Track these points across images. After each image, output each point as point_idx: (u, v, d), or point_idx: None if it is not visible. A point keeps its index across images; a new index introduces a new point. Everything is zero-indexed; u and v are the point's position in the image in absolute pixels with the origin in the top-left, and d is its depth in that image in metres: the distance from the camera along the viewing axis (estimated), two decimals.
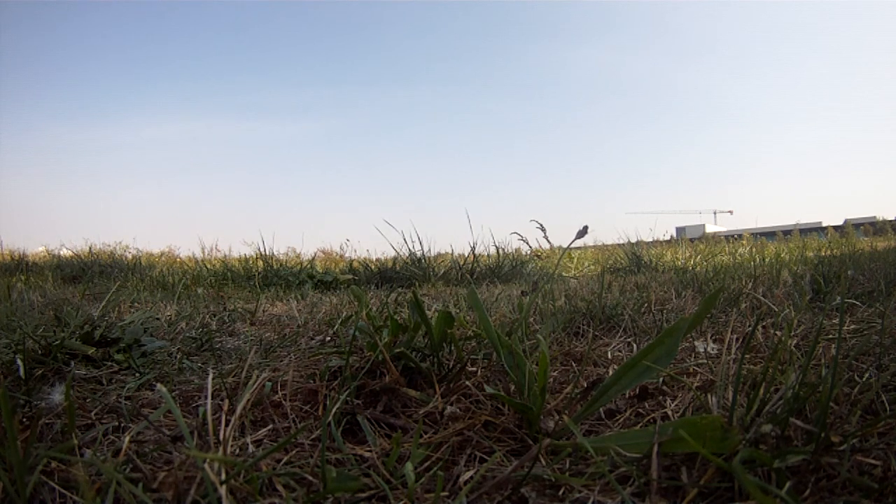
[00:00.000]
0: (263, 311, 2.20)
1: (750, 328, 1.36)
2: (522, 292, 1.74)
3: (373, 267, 4.50)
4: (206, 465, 0.52)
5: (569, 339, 1.41)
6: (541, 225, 1.05)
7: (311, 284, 3.83)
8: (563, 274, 4.45)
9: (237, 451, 0.70)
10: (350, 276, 4.08)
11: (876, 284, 1.84)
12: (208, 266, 4.86)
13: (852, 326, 1.30)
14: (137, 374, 1.11)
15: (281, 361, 1.18)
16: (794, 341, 1.15)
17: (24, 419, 0.75)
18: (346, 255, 6.81)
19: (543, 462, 0.65)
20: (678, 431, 0.57)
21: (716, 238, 10.15)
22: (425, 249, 4.59)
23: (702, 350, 1.08)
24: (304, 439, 0.74)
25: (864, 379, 0.85)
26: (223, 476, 0.52)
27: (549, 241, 1.08)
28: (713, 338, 1.29)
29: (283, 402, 0.86)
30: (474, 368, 1.00)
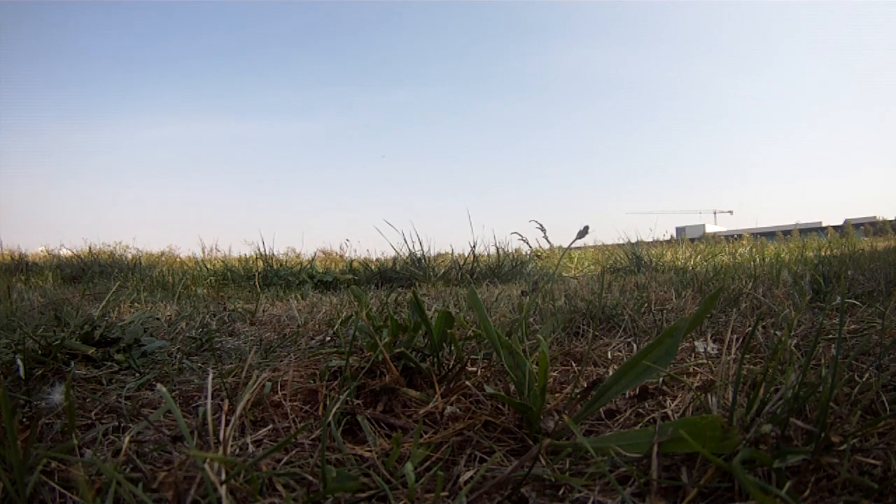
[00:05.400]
0: (263, 311, 2.20)
1: (750, 328, 1.36)
2: (522, 292, 1.74)
3: (373, 267, 4.50)
4: (206, 465, 0.52)
5: (569, 339, 1.41)
6: (541, 225, 1.05)
7: (311, 284, 3.83)
8: (563, 274, 4.45)
9: (237, 451, 0.70)
10: (350, 276, 4.08)
11: (876, 284, 1.84)
12: (208, 266, 4.87)
13: (852, 326, 1.30)
14: (137, 374, 1.11)
15: (281, 361, 1.18)
16: (794, 341, 1.15)
17: (24, 419, 0.75)
18: (346, 255, 6.81)
19: (543, 462, 0.65)
20: (678, 431, 0.57)
21: (716, 238, 10.14)
22: (425, 249, 4.59)
23: (702, 350, 1.08)
24: (304, 439, 0.74)
25: (864, 379, 0.85)
26: (223, 476, 0.52)
27: (549, 241, 1.08)
28: (713, 338, 1.29)
29: (283, 402, 0.86)
30: (474, 368, 1.00)
